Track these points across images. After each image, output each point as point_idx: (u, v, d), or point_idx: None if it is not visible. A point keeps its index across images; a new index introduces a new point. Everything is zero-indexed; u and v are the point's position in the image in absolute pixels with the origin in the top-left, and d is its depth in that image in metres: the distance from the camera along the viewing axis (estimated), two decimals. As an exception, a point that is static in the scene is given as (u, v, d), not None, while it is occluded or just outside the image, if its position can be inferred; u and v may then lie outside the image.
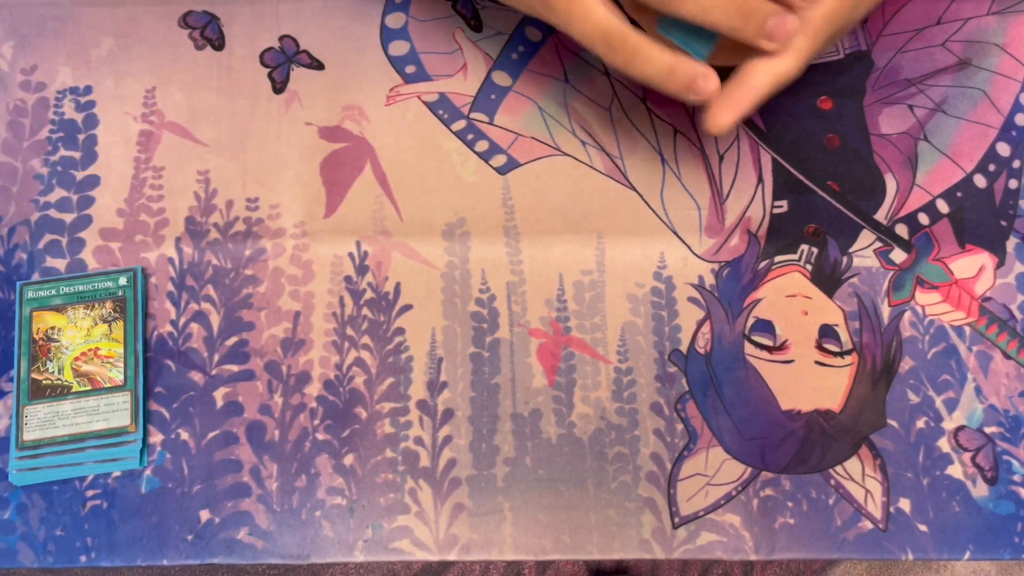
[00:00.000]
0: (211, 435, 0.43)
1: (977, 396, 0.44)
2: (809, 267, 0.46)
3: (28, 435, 0.42)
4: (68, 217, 0.46)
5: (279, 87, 0.49)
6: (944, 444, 0.43)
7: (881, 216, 0.47)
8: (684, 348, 0.45)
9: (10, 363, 0.44)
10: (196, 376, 0.44)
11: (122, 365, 0.43)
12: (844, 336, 0.45)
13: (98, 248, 0.46)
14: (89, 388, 0.43)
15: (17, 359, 0.43)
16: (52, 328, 0.44)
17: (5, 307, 0.45)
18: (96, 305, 0.44)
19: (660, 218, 0.47)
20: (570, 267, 0.46)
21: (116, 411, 0.42)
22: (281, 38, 0.50)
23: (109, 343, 0.43)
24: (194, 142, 0.48)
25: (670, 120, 0.48)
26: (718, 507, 0.42)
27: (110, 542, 0.41)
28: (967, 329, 0.45)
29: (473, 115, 0.48)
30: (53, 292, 0.44)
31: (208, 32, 0.50)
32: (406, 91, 0.49)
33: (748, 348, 0.45)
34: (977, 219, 0.47)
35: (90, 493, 0.42)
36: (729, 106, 0.37)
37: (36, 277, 0.45)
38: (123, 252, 0.46)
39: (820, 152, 0.48)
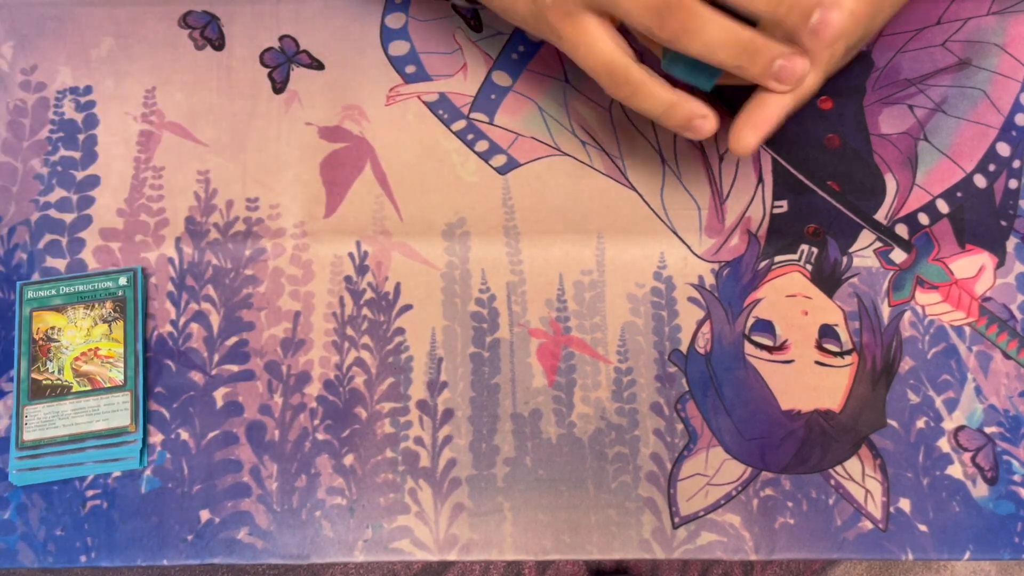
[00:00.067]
0: (211, 435, 0.43)
1: (977, 396, 0.44)
2: (809, 267, 0.46)
3: (28, 435, 0.42)
4: (68, 217, 0.46)
5: (279, 87, 0.49)
6: (944, 444, 0.43)
7: (881, 216, 0.47)
8: (684, 348, 0.45)
9: (10, 363, 0.44)
10: (196, 376, 0.44)
11: (122, 365, 0.43)
12: (844, 336, 0.45)
13: (98, 248, 0.46)
14: (89, 388, 0.43)
15: (17, 359, 0.43)
16: (52, 328, 0.44)
17: (5, 307, 0.45)
18: (96, 305, 0.44)
19: (660, 218, 0.47)
20: (570, 267, 0.46)
21: (116, 411, 0.42)
22: (281, 38, 0.50)
23: (109, 343, 0.43)
24: (194, 142, 0.48)
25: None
26: (718, 507, 0.42)
27: (110, 542, 0.41)
28: (967, 329, 0.45)
29: (473, 115, 0.48)
30: (53, 292, 0.44)
31: (208, 32, 0.50)
32: (406, 91, 0.49)
33: (748, 348, 0.45)
34: (977, 219, 0.47)
35: (90, 493, 0.42)
36: (752, 126, 0.37)
37: (36, 277, 0.45)
38: (123, 252, 0.46)
39: (820, 152, 0.48)
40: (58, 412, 0.42)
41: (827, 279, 0.46)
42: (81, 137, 0.48)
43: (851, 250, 0.46)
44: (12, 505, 0.42)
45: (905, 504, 0.42)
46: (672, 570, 1.15)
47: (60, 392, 0.43)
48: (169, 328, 0.45)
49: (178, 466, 0.43)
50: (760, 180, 0.47)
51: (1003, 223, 0.47)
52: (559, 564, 1.15)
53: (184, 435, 0.43)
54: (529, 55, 0.49)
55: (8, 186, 0.47)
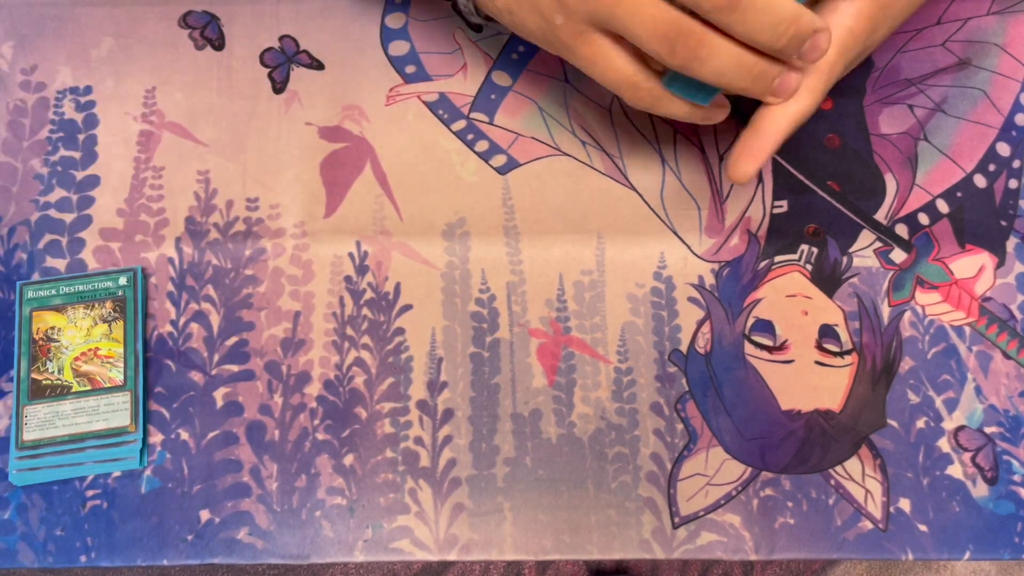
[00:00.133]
0: (211, 435, 0.43)
1: (977, 396, 0.44)
2: (809, 267, 0.46)
3: (28, 435, 0.42)
4: (68, 217, 0.46)
5: (279, 87, 0.49)
6: (944, 444, 0.43)
7: (881, 216, 0.47)
8: (684, 348, 0.45)
9: (10, 363, 0.44)
10: (196, 376, 0.44)
11: (122, 365, 0.43)
12: (844, 336, 0.45)
13: (98, 248, 0.46)
14: (89, 388, 0.43)
15: (17, 359, 0.43)
16: (52, 328, 0.44)
17: (5, 307, 0.45)
18: (96, 305, 0.44)
19: (660, 218, 0.47)
20: (570, 267, 0.46)
21: (116, 411, 0.42)
22: (281, 38, 0.50)
23: (109, 343, 0.43)
24: (194, 142, 0.48)
25: (670, 120, 0.48)
26: (718, 507, 0.42)
27: (110, 542, 0.41)
28: (967, 329, 0.45)
29: (473, 115, 0.48)
30: (53, 292, 0.44)
31: (208, 32, 0.50)
32: (406, 91, 0.49)
33: (748, 348, 0.45)
34: (977, 219, 0.47)
35: (90, 493, 0.42)
36: (749, 155, 0.38)
37: (36, 277, 0.45)
38: (123, 252, 0.46)
39: (820, 152, 0.48)
40: (58, 412, 0.42)
41: (827, 279, 0.46)
42: (81, 137, 0.48)
43: (851, 250, 0.46)
44: (12, 505, 0.42)
45: (905, 504, 0.42)
46: (672, 570, 1.15)
47: (60, 392, 0.43)
48: (169, 328, 0.45)
49: (178, 466, 0.43)
50: (760, 180, 0.47)
51: (1003, 223, 0.47)
52: (559, 564, 1.15)
53: (184, 435, 0.43)
54: (529, 55, 0.49)
55: (8, 186, 0.47)
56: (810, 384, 0.44)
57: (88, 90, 0.49)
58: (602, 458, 0.43)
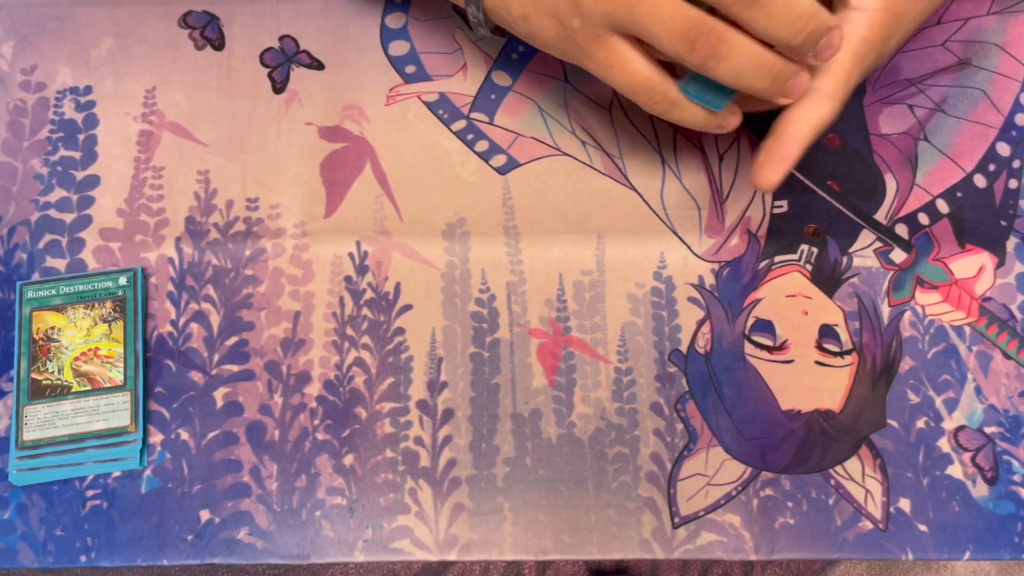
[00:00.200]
0: (211, 435, 0.43)
1: (977, 396, 0.44)
2: (809, 267, 0.46)
3: (28, 435, 0.42)
4: (68, 217, 0.46)
5: (279, 87, 0.49)
6: (944, 444, 0.43)
7: (881, 216, 0.47)
8: (684, 348, 0.45)
9: (10, 363, 0.44)
10: (196, 376, 0.44)
11: (122, 365, 0.43)
12: (844, 336, 0.45)
13: (98, 248, 0.46)
14: (89, 388, 0.43)
15: (17, 359, 0.43)
16: (52, 328, 0.44)
17: (5, 307, 0.45)
18: (96, 305, 0.44)
19: (660, 218, 0.47)
20: (570, 267, 0.46)
21: (116, 411, 0.42)
22: (281, 38, 0.50)
23: (109, 343, 0.43)
24: (194, 142, 0.48)
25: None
26: (718, 507, 0.42)
27: (110, 542, 0.41)
28: (967, 329, 0.45)
29: (473, 115, 0.48)
30: (53, 292, 0.44)
31: (208, 32, 0.50)
32: (406, 91, 0.49)
33: (748, 348, 0.45)
34: (977, 219, 0.47)
35: (90, 493, 0.42)
36: (774, 163, 0.38)
37: (36, 277, 0.45)
38: (123, 252, 0.46)
39: (820, 152, 0.48)
40: (58, 412, 0.42)
41: (827, 279, 0.46)
42: (81, 137, 0.48)
43: (851, 250, 0.46)
44: (12, 505, 0.42)
45: (905, 504, 0.42)
46: (672, 570, 1.15)
47: (60, 392, 0.43)
48: (169, 328, 0.45)
49: (178, 466, 0.43)
50: (760, 180, 0.47)
51: (1003, 223, 0.47)
52: (559, 564, 1.15)
53: (184, 435, 0.43)
54: (529, 55, 0.49)
55: (8, 186, 0.47)
56: (810, 384, 0.44)
57: (88, 90, 0.49)
58: (602, 458, 0.43)
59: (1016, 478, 0.43)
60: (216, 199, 0.47)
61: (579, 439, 0.43)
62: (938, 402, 0.44)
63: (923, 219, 0.47)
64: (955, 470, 0.43)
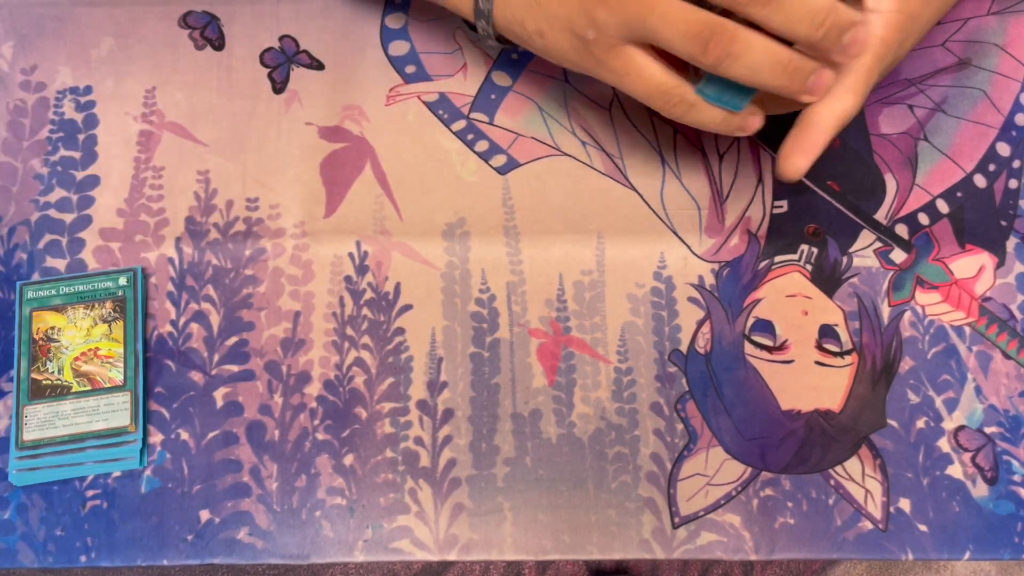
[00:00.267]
0: (211, 435, 0.43)
1: (977, 396, 0.44)
2: (809, 267, 0.46)
3: (28, 435, 0.42)
4: (68, 217, 0.46)
5: (279, 87, 0.49)
6: (944, 444, 0.43)
7: (881, 216, 0.47)
8: (684, 348, 0.45)
9: (10, 363, 0.44)
10: (196, 376, 0.44)
11: (122, 365, 0.43)
12: (844, 336, 0.45)
13: (98, 248, 0.46)
14: (89, 388, 0.43)
15: (17, 359, 0.43)
16: (52, 328, 0.44)
17: (5, 307, 0.45)
18: (96, 305, 0.44)
19: (660, 218, 0.47)
20: (570, 267, 0.46)
21: (116, 411, 0.42)
22: (281, 38, 0.50)
23: (109, 343, 0.43)
24: (194, 142, 0.48)
25: (671, 121, 0.48)
26: (718, 507, 0.42)
27: (110, 542, 0.41)
28: (967, 329, 0.45)
29: (473, 115, 0.48)
30: (53, 292, 0.44)
31: (208, 32, 0.50)
32: (406, 91, 0.49)
33: (748, 348, 0.45)
34: (977, 219, 0.47)
35: (90, 493, 0.42)
36: (802, 151, 0.38)
37: (36, 277, 0.45)
38: (123, 252, 0.46)
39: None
40: (58, 412, 0.42)
41: (827, 279, 0.46)
42: (81, 137, 0.48)
43: (851, 250, 0.46)
44: (12, 505, 0.42)
45: (905, 504, 0.42)
46: (672, 570, 1.15)
47: (60, 392, 0.43)
48: (169, 328, 0.45)
49: (178, 466, 0.43)
50: (760, 180, 0.47)
51: (1003, 223, 0.47)
52: (559, 564, 1.15)
53: (184, 435, 0.43)
54: (529, 55, 0.49)
55: (8, 186, 0.47)
56: (810, 384, 0.44)
57: (88, 90, 0.49)
58: (602, 458, 0.43)
59: (1016, 478, 0.43)
60: (216, 199, 0.47)
61: (579, 439, 0.43)
62: (938, 402, 0.44)
63: (923, 219, 0.47)
64: (955, 470, 0.43)
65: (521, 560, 0.43)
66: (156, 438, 0.43)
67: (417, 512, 0.42)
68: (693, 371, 0.44)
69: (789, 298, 0.45)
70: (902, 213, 0.47)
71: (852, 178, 0.47)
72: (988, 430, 0.44)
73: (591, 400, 0.44)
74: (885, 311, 0.45)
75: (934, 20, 0.40)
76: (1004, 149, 0.48)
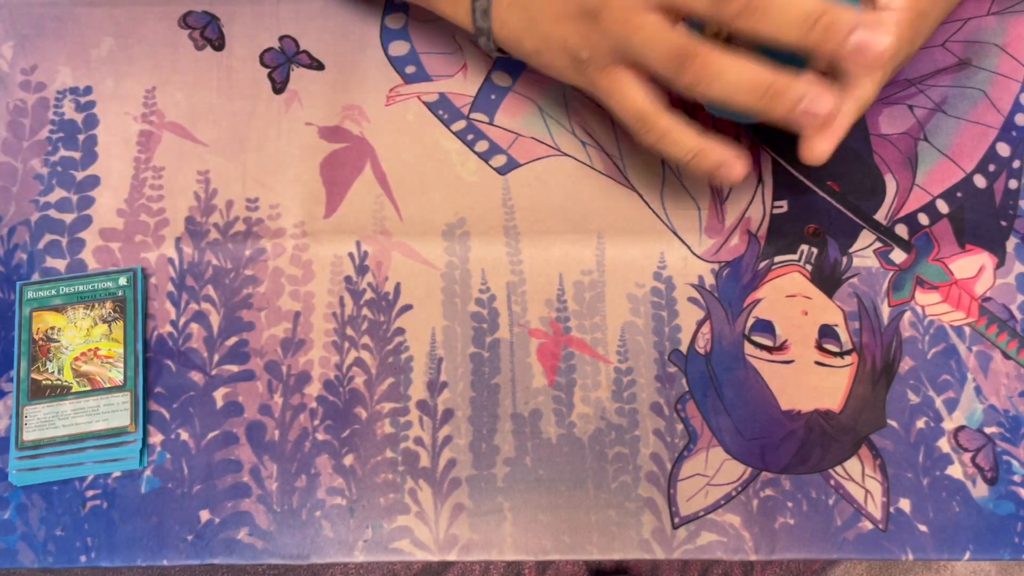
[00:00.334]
0: (211, 435, 0.43)
1: (977, 396, 0.44)
2: (809, 267, 0.46)
3: (28, 435, 0.42)
4: (68, 217, 0.46)
5: (279, 87, 0.49)
6: (944, 444, 0.43)
7: (881, 216, 0.47)
8: (684, 348, 0.45)
9: (10, 363, 0.44)
10: (196, 376, 0.44)
11: (122, 365, 0.43)
12: (844, 336, 0.45)
13: (98, 248, 0.46)
14: (89, 388, 0.43)
15: (17, 359, 0.43)
16: (52, 328, 0.44)
17: (5, 307, 0.45)
18: (96, 305, 0.44)
19: (660, 218, 0.47)
20: (570, 267, 0.46)
21: (116, 411, 0.42)
22: (281, 38, 0.50)
23: (109, 343, 0.43)
24: (194, 142, 0.48)
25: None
26: (718, 507, 0.42)
27: (110, 542, 0.41)
28: (967, 329, 0.45)
29: (473, 115, 0.48)
30: (53, 292, 0.44)
31: (208, 32, 0.50)
32: (406, 91, 0.49)
33: (748, 348, 0.45)
34: (977, 219, 0.47)
35: (90, 493, 0.42)
36: (826, 135, 0.37)
37: (36, 277, 0.45)
38: (123, 252, 0.46)
39: (820, 152, 0.48)
40: (58, 412, 0.42)
41: (827, 279, 0.46)
42: (81, 137, 0.48)
43: (851, 250, 0.46)
44: (12, 505, 0.42)
45: (905, 504, 0.42)
46: (672, 570, 1.15)
47: (60, 392, 0.43)
48: (169, 328, 0.45)
49: (178, 466, 0.43)
50: (760, 180, 0.47)
51: (1003, 223, 0.47)
52: (559, 564, 1.15)
53: (184, 435, 0.43)
54: (529, 55, 0.49)
55: (8, 186, 0.47)
56: (810, 384, 0.44)
57: (88, 90, 0.49)
58: (602, 458, 0.43)
59: (1016, 478, 0.43)
60: (216, 199, 0.47)
61: (579, 439, 0.43)
62: (938, 402, 0.44)
63: (923, 219, 0.47)
64: (955, 470, 0.43)
65: (521, 560, 0.43)
66: (156, 438, 0.43)
67: (417, 512, 0.42)
68: (693, 371, 0.44)
69: (789, 298, 0.45)
70: (902, 213, 0.47)
71: (852, 178, 0.47)
72: (988, 430, 0.44)
73: (591, 400, 0.44)
74: (885, 311, 0.45)
75: (941, 19, 0.41)
76: (1004, 149, 0.48)
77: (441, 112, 0.49)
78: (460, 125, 0.48)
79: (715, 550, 0.42)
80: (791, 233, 0.47)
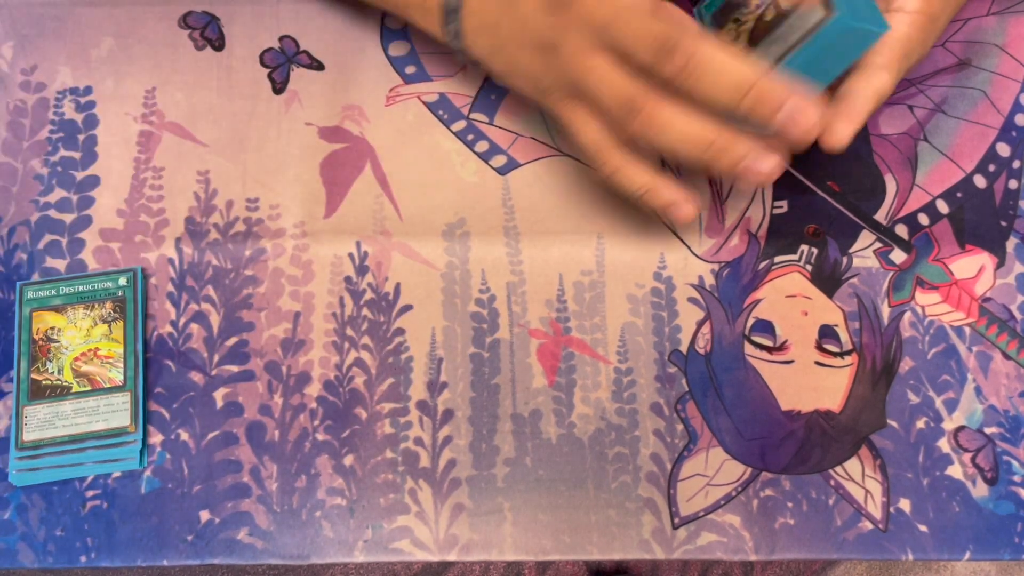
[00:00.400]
0: (211, 435, 0.43)
1: (977, 396, 0.44)
2: (809, 267, 0.46)
3: (28, 435, 0.42)
4: (68, 217, 0.46)
5: (279, 87, 0.49)
6: (944, 444, 0.43)
7: (881, 216, 0.47)
8: (684, 348, 0.45)
9: (10, 363, 0.44)
10: (196, 376, 0.44)
11: (122, 365, 0.43)
12: (844, 336, 0.45)
13: (98, 248, 0.46)
14: (89, 388, 0.43)
15: (17, 359, 0.43)
16: (52, 328, 0.44)
17: (5, 307, 0.45)
18: (96, 305, 0.44)
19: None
20: (570, 267, 0.46)
21: (116, 411, 0.42)
22: (281, 38, 0.50)
23: (109, 343, 0.43)
24: (194, 142, 0.48)
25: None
26: (718, 507, 0.42)
27: (110, 542, 0.41)
28: (967, 329, 0.45)
29: (473, 115, 0.48)
30: (53, 292, 0.44)
31: (208, 32, 0.50)
32: (406, 91, 0.49)
33: (748, 348, 0.45)
34: (977, 219, 0.47)
35: (90, 493, 0.42)
36: (846, 119, 0.38)
37: (36, 277, 0.45)
38: (123, 252, 0.46)
39: (820, 152, 0.48)
40: (58, 412, 0.42)
41: (827, 279, 0.46)
42: (81, 137, 0.48)
43: (851, 250, 0.46)
44: (12, 505, 0.42)
45: (905, 504, 0.42)
46: (672, 570, 1.15)
47: (60, 392, 0.43)
48: (169, 328, 0.45)
49: (178, 466, 0.43)
50: (760, 180, 0.47)
51: (1003, 223, 0.47)
52: (559, 564, 1.15)
53: (184, 435, 0.43)
54: (529, 55, 0.49)
55: (8, 186, 0.47)
56: (810, 384, 0.44)
57: (88, 90, 0.49)
58: (602, 458, 0.43)
59: (1016, 478, 0.43)
60: (216, 199, 0.47)
61: (579, 439, 0.43)
62: (938, 402, 0.44)
63: (923, 219, 0.47)
64: (955, 470, 0.43)
65: (521, 560, 0.43)
66: (156, 438, 0.43)
67: (417, 512, 0.42)
68: (693, 371, 0.44)
69: (789, 298, 0.45)
70: (902, 213, 0.47)
71: (852, 178, 0.47)
72: (988, 430, 0.44)
73: (591, 400, 0.44)
74: (885, 311, 0.45)
75: (948, 22, 0.41)
76: (1004, 149, 0.48)
77: (441, 112, 0.49)
78: (460, 125, 0.48)
79: (715, 550, 0.42)
80: (791, 233, 0.47)
